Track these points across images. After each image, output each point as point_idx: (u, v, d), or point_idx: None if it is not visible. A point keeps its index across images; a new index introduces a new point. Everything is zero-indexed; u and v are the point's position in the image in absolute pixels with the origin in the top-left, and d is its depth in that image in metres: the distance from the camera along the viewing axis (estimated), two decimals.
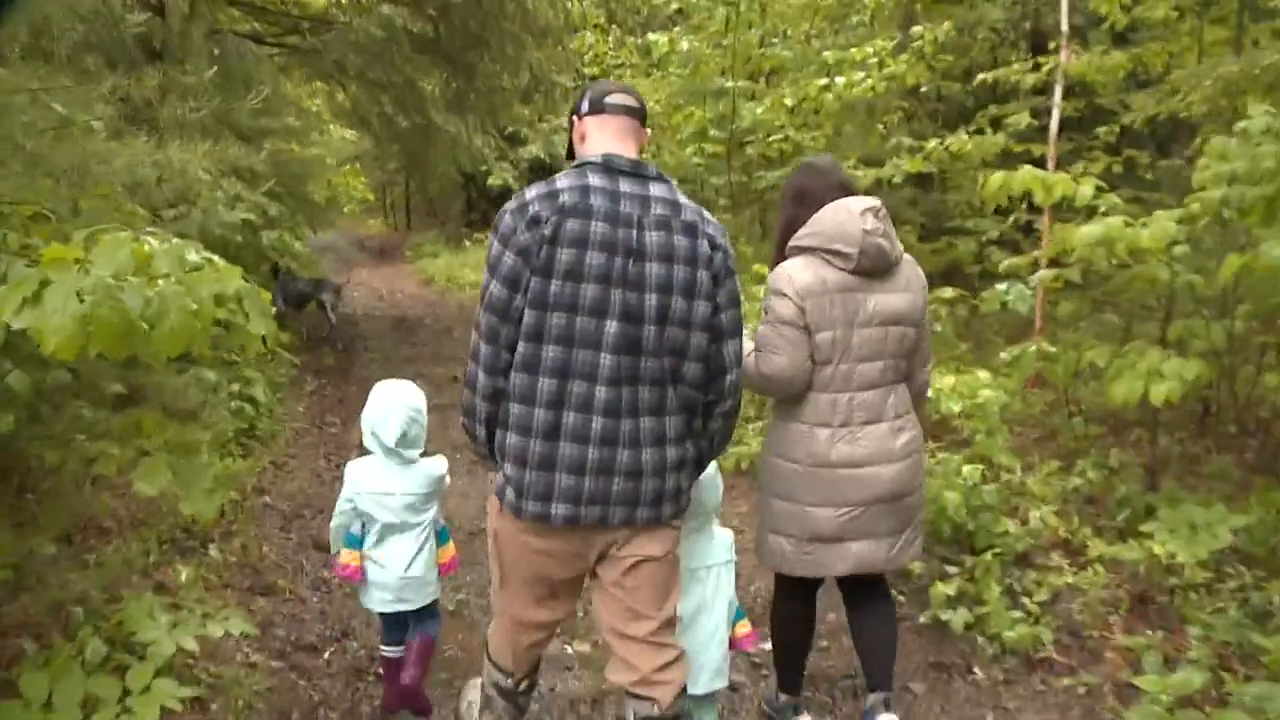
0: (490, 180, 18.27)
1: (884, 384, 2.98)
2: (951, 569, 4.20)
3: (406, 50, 10.10)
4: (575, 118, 2.60)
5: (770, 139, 8.08)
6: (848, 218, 2.89)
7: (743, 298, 2.64)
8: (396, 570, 3.17)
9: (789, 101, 7.96)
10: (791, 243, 3.01)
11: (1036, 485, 4.77)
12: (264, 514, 5.38)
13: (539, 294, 2.34)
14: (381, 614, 3.30)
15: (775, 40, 9.91)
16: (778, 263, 3.06)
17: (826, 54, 7.65)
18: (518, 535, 2.53)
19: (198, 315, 2.69)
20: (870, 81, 7.42)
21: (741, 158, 9.62)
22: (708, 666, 2.88)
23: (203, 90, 6.23)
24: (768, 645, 3.47)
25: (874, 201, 2.96)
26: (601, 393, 2.37)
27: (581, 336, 2.35)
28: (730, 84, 8.90)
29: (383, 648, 3.39)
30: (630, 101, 2.56)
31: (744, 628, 3.05)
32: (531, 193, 2.42)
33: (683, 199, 2.48)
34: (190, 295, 2.66)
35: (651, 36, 9.20)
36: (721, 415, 2.60)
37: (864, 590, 3.19)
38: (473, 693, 3.20)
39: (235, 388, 6.61)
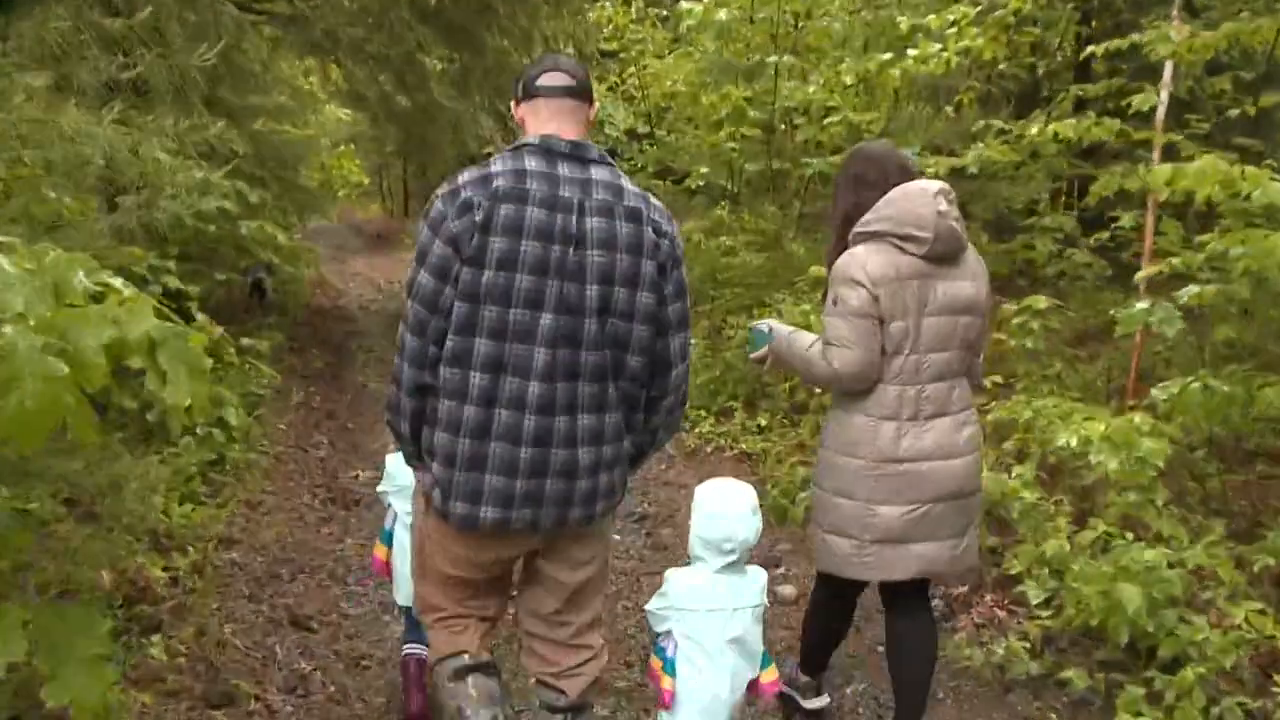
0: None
1: (950, 375, 2.88)
2: (1133, 687, 3.19)
3: (407, 19, 9.00)
4: (514, 103, 2.47)
5: (827, 121, 7.02)
6: (921, 200, 2.77)
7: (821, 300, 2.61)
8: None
9: (848, 78, 6.90)
10: (857, 229, 2.87)
11: (1205, 557, 3.75)
12: (229, 578, 4.35)
13: (470, 285, 2.23)
14: (408, 609, 3.14)
15: (819, 13, 8.86)
16: (838, 253, 2.91)
17: (900, 20, 6.57)
18: (443, 537, 2.46)
19: (79, 378, 1.68)
20: (946, 55, 6.38)
21: (781, 142, 8.60)
22: (722, 713, 2.66)
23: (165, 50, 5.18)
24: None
25: (944, 184, 2.86)
26: (536, 389, 2.27)
27: (516, 330, 2.25)
28: (774, 59, 7.87)
29: (408, 646, 3.28)
30: (565, 81, 2.39)
31: (769, 674, 2.80)
32: (464, 177, 2.30)
33: (627, 183, 2.37)
34: (63, 347, 1.64)
35: (684, 4, 8.13)
36: (665, 410, 2.52)
37: (907, 599, 3.04)
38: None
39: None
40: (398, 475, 3.18)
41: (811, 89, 7.17)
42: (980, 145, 6.23)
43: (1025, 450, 4.90)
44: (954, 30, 6.32)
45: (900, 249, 2.78)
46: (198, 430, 5.37)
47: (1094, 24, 7.92)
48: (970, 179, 6.69)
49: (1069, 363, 6.42)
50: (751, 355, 3.24)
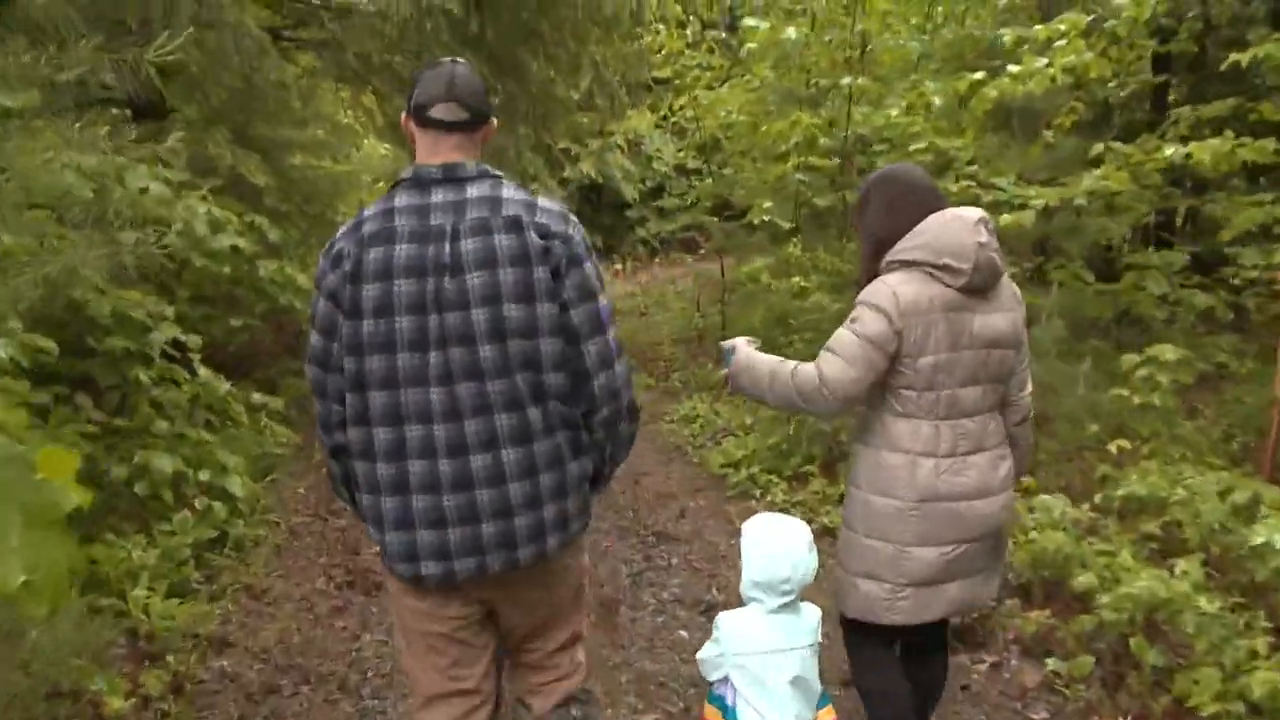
0: None
1: (984, 410, 2.76)
2: None
3: (446, 42, 8.37)
4: (404, 115, 2.28)
5: (913, 149, 6.22)
6: (961, 229, 2.63)
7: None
8: None
9: (936, 99, 6.11)
10: (890, 256, 2.71)
11: None
12: (216, 694, 3.59)
13: (353, 338, 2.13)
14: None
15: (889, 33, 8.11)
16: (869, 282, 2.74)
17: (1004, 34, 5.78)
18: (403, 594, 2.35)
19: None
20: (1051, 71, 5.58)
21: (852, 174, 7.81)
22: None
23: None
24: None
25: (983, 213, 2.72)
26: (441, 431, 2.14)
27: (406, 375, 2.13)
28: (847, 80, 7.10)
29: None
30: (457, 115, 2.19)
31: (828, 714, 2.74)
32: (341, 229, 2.20)
33: (509, 192, 2.19)
34: None
35: (749, 22, 7.40)
36: (602, 424, 2.31)
37: (925, 636, 2.92)
38: None
39: (205, 475, 4.86)
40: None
41: (894, 112, 6.38)
42: (1094, 172, 5.40)
43: (1177, 536, 4.06)
44: (1063, 43, 5.51)
45: (935, 278, 2.64)
46: (195, 504, 4.66)
47: (1169, 44, 7.09)
48: (1066, 212, 5.89)
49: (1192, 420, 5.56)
50: (722, 372, 3.12)
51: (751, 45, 8.61)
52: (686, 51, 9.76)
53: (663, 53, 9.86)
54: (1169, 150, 4.92)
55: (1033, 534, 4.01)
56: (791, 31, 7.07)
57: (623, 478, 6.44)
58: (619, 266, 16.73)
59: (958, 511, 2.70)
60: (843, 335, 2.68)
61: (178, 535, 4.41)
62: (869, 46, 7.78)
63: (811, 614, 2.72)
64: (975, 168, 6.32)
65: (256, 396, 5.93)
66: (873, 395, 2.74)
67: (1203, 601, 3.29)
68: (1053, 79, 5.63)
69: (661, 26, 9.61)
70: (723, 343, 3.07)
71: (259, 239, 6.33)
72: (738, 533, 2.87)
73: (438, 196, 2.17)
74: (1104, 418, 5.15)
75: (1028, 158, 6.51)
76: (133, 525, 4.39)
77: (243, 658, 3.90)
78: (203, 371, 5.07)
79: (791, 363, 2.77)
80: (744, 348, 2.95)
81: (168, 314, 4.75)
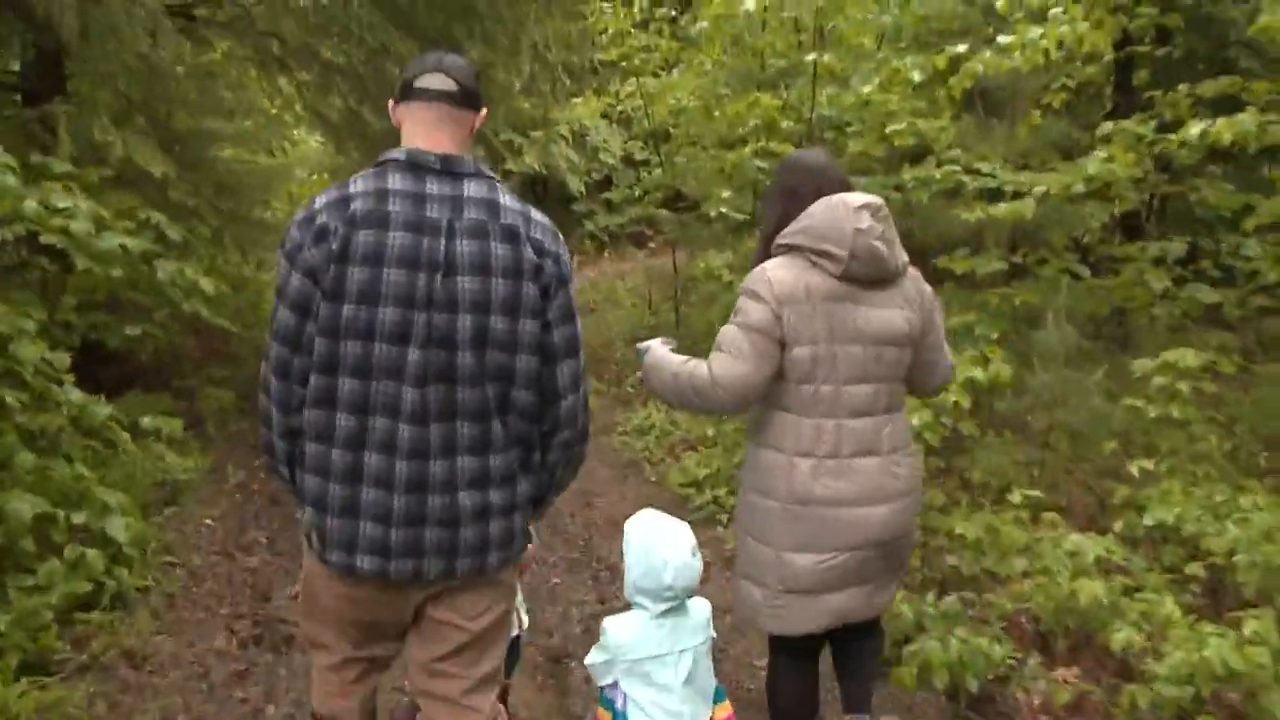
0: None
1: (879, 411, 2.64)
2: None
3: (366, 20, 7.63)
4: (391, 102, 2.24)
5: (890, 130, 5.60)
6: (843, 214, 2.55)
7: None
8: None
9: (916, 75, 5.51)
10: (777, 240, 2.66)
11: None
12: None
13: (330, 320, 2.05)
14: None
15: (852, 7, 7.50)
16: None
17: None
18: (327, 581, 2.24)
19: None
20: (1045, 43, 5.01)
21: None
22: None
23: None
24: None
25: (873, 199, 2.61)
26: (406, 431, 2.08)
27: (381, 366, 2.05)
28: (811, 57, 6.49)
29: None
30: (446, 84, 2.16)
31: (724, 709, 2.70)
32: (321, 200, 2.10)
33: (505, 198, 2.16)
34: None
35: None
36: (561, 446, 2.30)
37: (849, 632, 2.80)
38: None
39: (80, 517, 4.12)
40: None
41: (866, 89, 5.76)
42: (1097, 155, 4.83)
43: (1224, 579, 3.51)
44: (1059, 11, 4.93)
45: (815, 265, 2.58)
46: (66, 553, 3.92)
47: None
48: (1076, 201, 5.33)
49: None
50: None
51: (703, 23, 8.00)
52: (633, 32, 9.08)
53: (608, 34, 9.17)
54: (1194, 129, 4.34)
55: (1059, 578, 3.41)
56: (750, 2, 6.41)
57: (572, 499, 5.76)
58: None
59: (840, 517, 2.58)
60: (726, 330, 2.63)
61: (39, 594, 3.68)
62: (829, 24, 7.17)
63: (700, 610, 2.67)
64: (957, 151, 5.74)
65: (147, 420, 5.14)
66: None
67: None
68: (1046, 53, 5.06)
69: (607, 5, 8.92)
70: (638, 344, 3.00)
71: (156, 237, 5.57)
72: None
73: (433, 187, 2.10)
74: (1116, 431, 4.59)
75: (1013, 140, 5.95)
76: None
77: None
78: (75, 394, 4.30)
79: (694, 361, 2.70)
80: (657, 348, 2.87)
81: (29, 328, 3.99)
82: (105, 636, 3.82)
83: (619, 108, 11.65)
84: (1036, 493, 4.20)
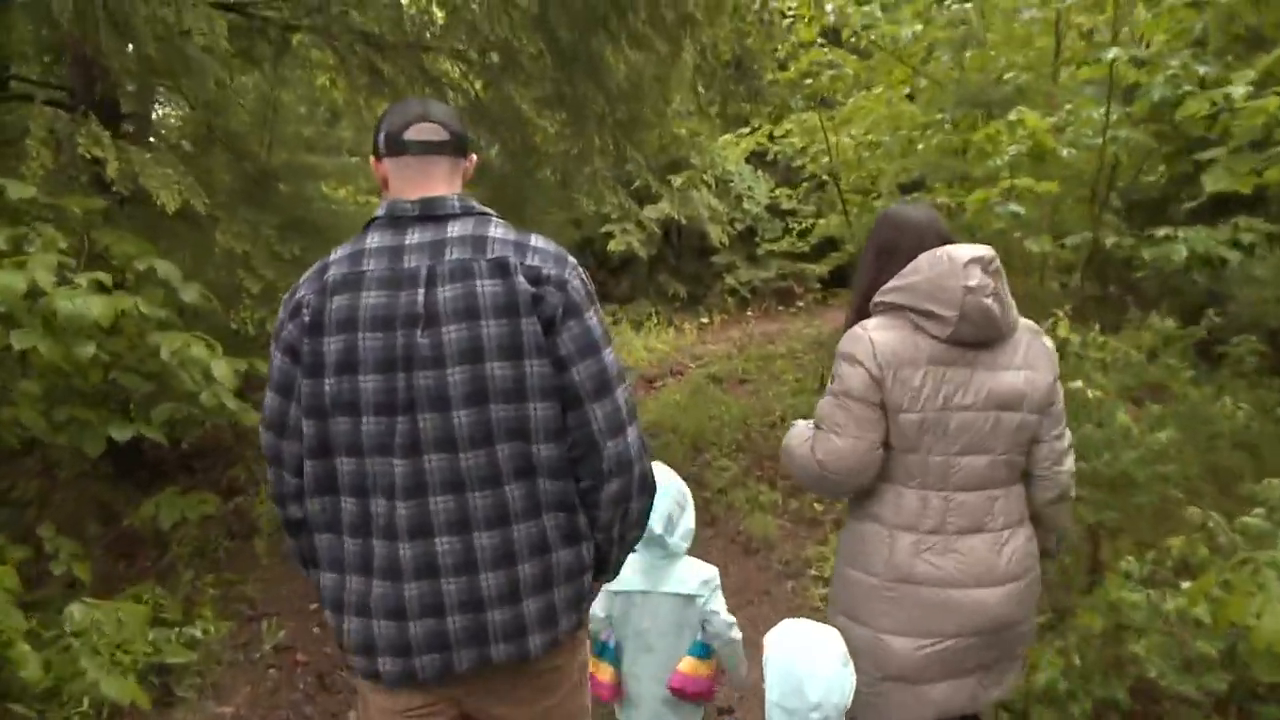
0: (611, 245, 13.84)
1: (992, 484, 2.35)
2: None
3: (496, 24, 5.90)
4: (373, 160, 2.01)
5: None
6: (948, 270, 2.26)
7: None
8: None
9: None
10: (876, 298, 2.40)
11: None
12: None
13: (314, 398, 1.84)
14: None
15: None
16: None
17: None
18: (371, 696, 2.01)
19: None
20: None
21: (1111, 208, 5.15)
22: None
23: None
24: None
25: (985, 251, 2.30)
26: (404, 510, 1.82)
27: (370, 443, 1.82)
28: (1114, 53, 4.47)
29: None
30: (437, 134, 1.95)
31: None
32: (306, 274, 1.94)
33: (497, 231, 1.89)
34: None
35: None
36: (610, 504, 1.91)
37: None
38: None
39: None
40: None
41: (1240, 91, 3.70)
42: None
43: None
44: None
45: (920, 328, 2.30)
46: None
47: None
48: None
49: None
50: None
51: (912, 29, 6.07)
52: (819, 41, 7.14)
53: (785, 46, 7.26)
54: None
55: None
56: None
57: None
58: (705, 319, 14.13)
59: (945, 600, 2.32)
60: (822, 403, 2.42)
61: None
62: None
63: None
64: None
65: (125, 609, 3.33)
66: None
67: None
68: None
69: (790, 11, 7.01)
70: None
71: (169, 299, 3.82)
72: None
73: (413, 236, 1.87)
74: None
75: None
76: None
77: None
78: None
79: (804, 438, 2.47)
80: (796, 427, 2.57)
81: None
82: None
83: (775, 149, 9.68)
84: None
